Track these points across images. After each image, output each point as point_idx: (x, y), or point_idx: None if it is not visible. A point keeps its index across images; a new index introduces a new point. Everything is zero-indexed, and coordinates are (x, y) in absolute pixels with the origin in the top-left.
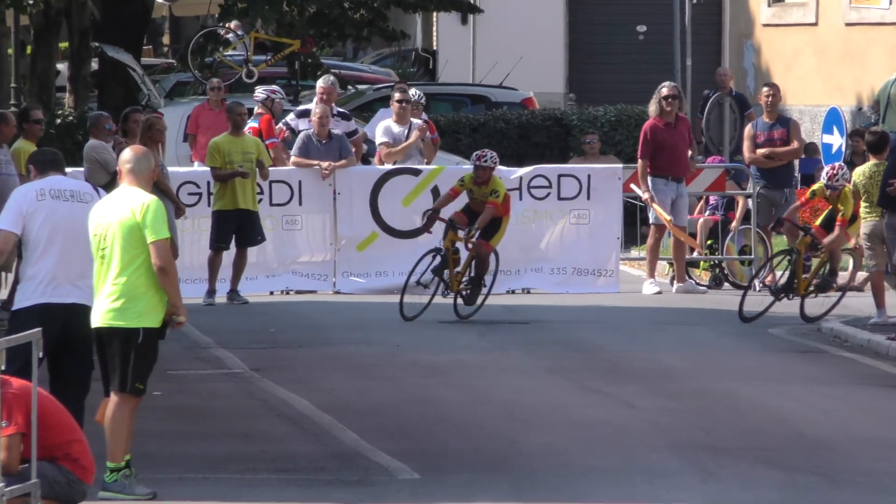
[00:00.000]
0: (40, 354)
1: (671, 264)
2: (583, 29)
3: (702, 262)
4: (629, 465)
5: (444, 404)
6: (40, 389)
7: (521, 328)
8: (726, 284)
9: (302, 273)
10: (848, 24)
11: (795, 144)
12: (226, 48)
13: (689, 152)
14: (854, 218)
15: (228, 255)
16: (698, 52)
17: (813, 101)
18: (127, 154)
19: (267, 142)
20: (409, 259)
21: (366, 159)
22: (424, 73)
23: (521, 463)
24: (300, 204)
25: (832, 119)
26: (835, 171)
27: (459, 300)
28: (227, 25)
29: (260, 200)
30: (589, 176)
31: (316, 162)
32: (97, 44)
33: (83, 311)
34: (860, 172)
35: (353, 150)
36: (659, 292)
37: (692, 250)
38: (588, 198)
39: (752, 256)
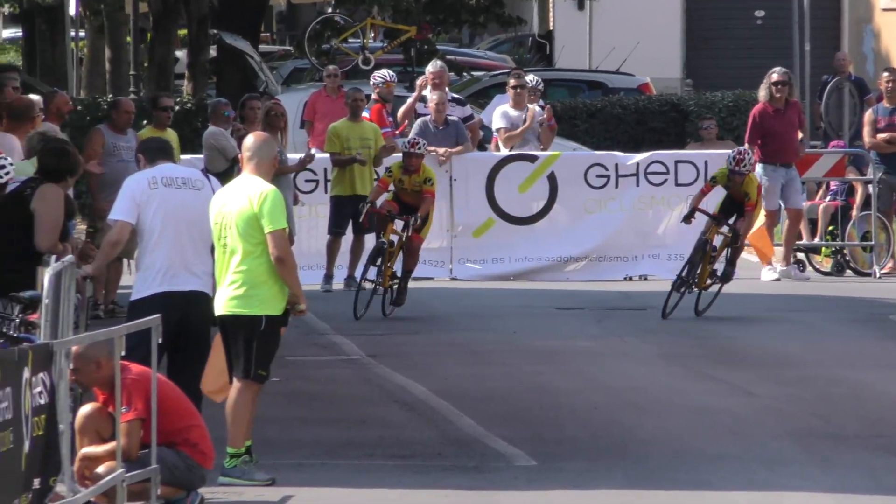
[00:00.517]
0: (159, 341)
1: (794, 251)
2: (700, 14)
3: (823, 249)
4: (747, 453)
5: (559, 391)
6: (159, 375)
7: (638, 314)
8: (848, 271)
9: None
10: None
11: None
12: (342, 35)
13: (800, 136)
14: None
15: (346, 242)
16: (817, 37)
17: None
18: (248, 141)
19: (381, 131)
20: (526, 245)
21: (482, 145)
22: (541, 58)
23: (636, 450)
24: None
25: None
26: (742, 157)
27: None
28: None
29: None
30: (706, 162)
31: (433, 148)
32: (215, 31)
33: (201, 297)
34: None
35: (469, 136)
36: (777, 279)
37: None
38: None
39: (873, 242)
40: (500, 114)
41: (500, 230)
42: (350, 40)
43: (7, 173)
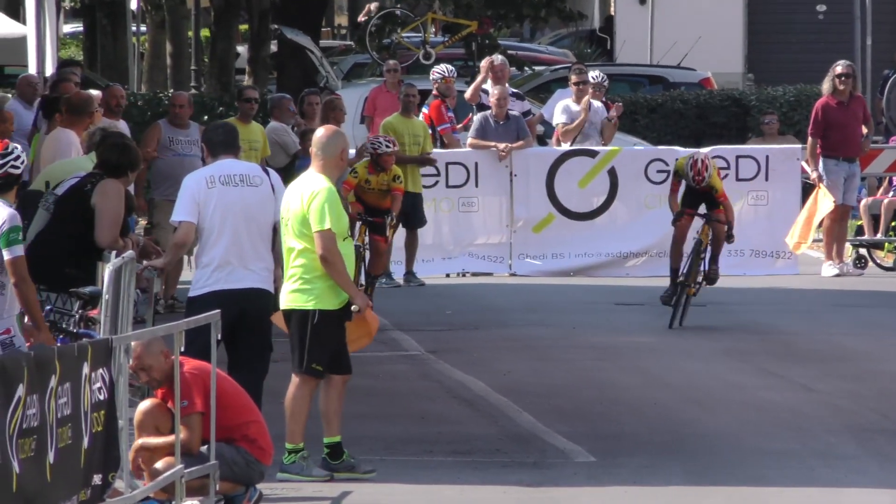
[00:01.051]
0: (218, 337)
1: (854, 246)
2: (762, 8)
3: (886, 244)
4: (806, 449)
5: (619, 386)
6: (218, 371)
7: (698, 310)
8: None
9: (478, 255)
10: None
11: None
12: (404, 29)
13: (865, 130)
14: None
15: (400, 238)
16: (879, 31)
17: None
18: (316, 136)
19: (439, 128)
20: (585, 241)
21: (542, 140)
22: (602, 53)
23: (695, 446)
24: (476, 185)
25: None
26: (700, 173)
27: None
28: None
29: (436, 183)
30: (767, 157)
31: (493, 143)
32: (276, 26)
33: (258, 294)
34: None
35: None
36: (838, 274)
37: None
38: (766, 179)
39: None
40: (561, 108)
41: (559, 225)
42: (411, 35)
43: (22, 162)
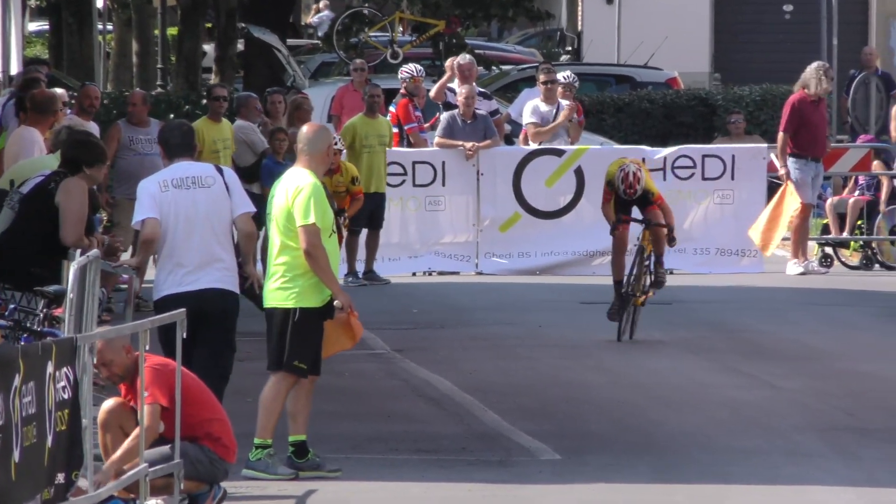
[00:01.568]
0: (184, 335)
1: (820, 245)
2: (729, 8)
3: (852, 243)
4: (772, 446)
5: (585, 385)
6: (183, 368)
7: (664, 309)
8: (876, 265)
9: (444, 254)
10: None
11: None
12: (371, 29)
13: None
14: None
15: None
16: (844, 32)
17: None
18: (301, 133)
19: (406, 127)
20: (552, 239)
21: (509, 140)
22: (569, 53)
23: (661, 444)
24: (443, 185)
25: None
26: (631, 186)
27: None
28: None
29: (403, 181)
30: (733, 156)
31: (460, 142)
32: (243, 24)
33: (217, 294)
34: None
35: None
36: (803, 273)
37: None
38: (732, 178)
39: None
40: (530, 108)
41: (526, 224)
42: (378, 34)
43: None
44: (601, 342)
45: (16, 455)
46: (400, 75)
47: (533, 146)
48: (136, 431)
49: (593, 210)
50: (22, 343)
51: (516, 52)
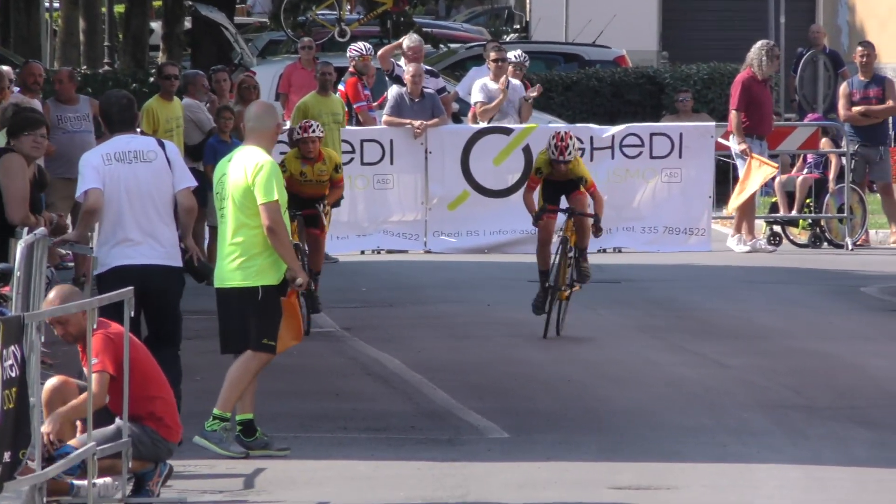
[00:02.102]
0: (132, 314)
1: (769, 223)
2: None
3: (800, 222)
4: (719, 425)
5: (534, 364)
6: (135, 339)
7: (612, 287)
8: (825, 243)
9: (393, 232)
10: None
11: (891, 103)
12: (319, 7)
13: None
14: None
15: None
16: (792, 10)
17: None
18: (249, 111)
19: (355, 105)
20: (500, 218)
21: (457, 118)
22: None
23: (610, 422)
24: (391, 163)
25: None
26: (563, 143)
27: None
28: None
29: (351, 160)
30: (681, 134)
31: (408, 121)
32: (191, 2)
33: (158, 271)
34: None
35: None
36: (749, 251)
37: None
38: (680, 156)
39: (846, 215)
40: (479, 87)
41: (474, 203)
42: (326, 12)
43: None
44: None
45: None
46: (349, 54)
47: (482, 124)
48: (83, 395)
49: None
50: None
51: (464, 30)
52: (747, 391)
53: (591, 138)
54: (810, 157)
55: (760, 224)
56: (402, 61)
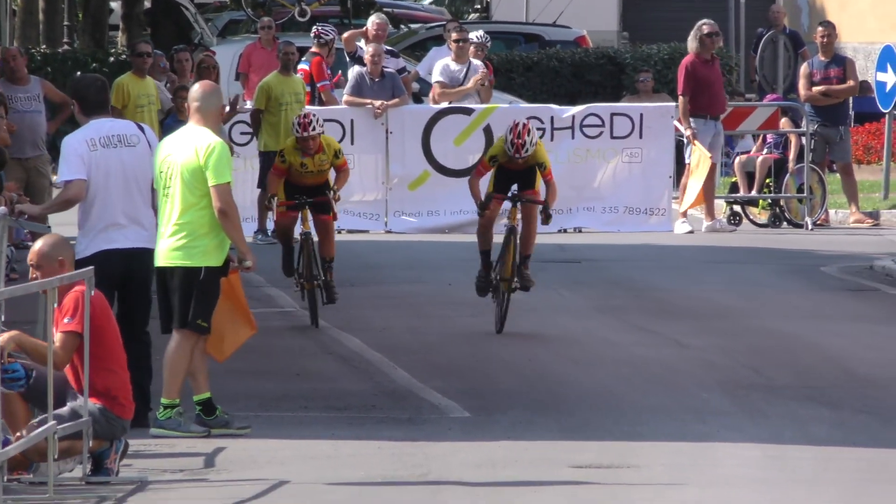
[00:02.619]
0: (92, 293)
1: (729, 203)
2: None
3: (760, 202)
4: (679, 404)
5: (494, 343)
6: (106, 309)
7: (572, 267)
8: (784, 223)
9: (354, 212)
10: None
11: (851, 83)
12: None
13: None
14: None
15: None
16: None
17: (867, 39)
18: (195, 91)
19: (318, 84)
20: (461, 198)
21: (418, 98)
22: (478, 11)
23: (570, 402)
24: (352, 143)
25: (886, 57)
26: (521, 140)
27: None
28: None
29: None
30: (641, 115)
31: (368, 101)
32: None
33: (143, 254)
34: None
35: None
36: (691, 231)
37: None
38: (640, 136)
39: (805, 195)
40: (440, 67)
41: (435, 183)
42: None
43: None
44: (510, 300)
45: None
46: (325, 35)
47: (443, 104)
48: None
49: None
50: None
51: (424, 10)
52: (707, 371)
53: (552, 119)
54: (770, 138)
55: (721, 204)
56: (362, 42)
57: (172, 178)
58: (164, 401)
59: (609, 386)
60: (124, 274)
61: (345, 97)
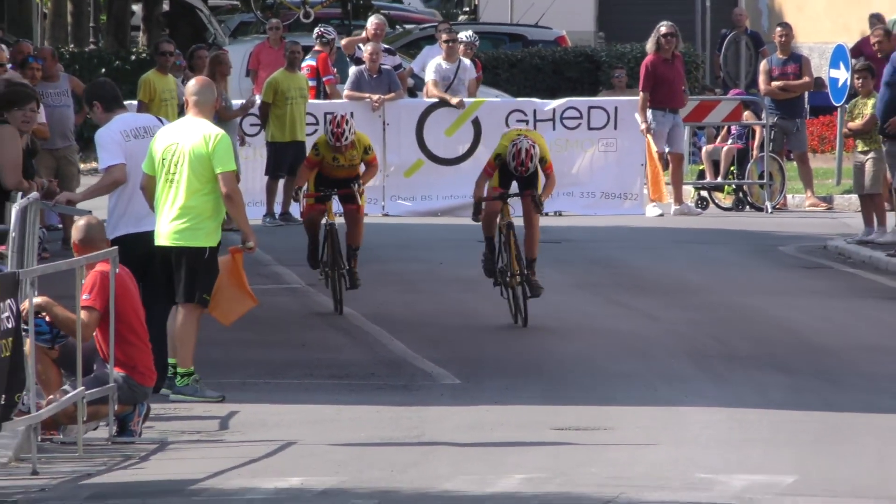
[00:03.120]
0: (117, 271)
1: (697, 189)
2: None
3: (725, 187)
4: (650, 371)
5: (482, 316)
6: (128, 285)
7: (553, 247)
8: (748, 207)
9: None
10: None
11: (807, 79)
12: None
13: (683, 87)
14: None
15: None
16: None
17: (821, 39)
18: (192, 86)
19: (324, 78)
20: (452, 184)
21: (412, 93)
22: (467, 13)
23: (551, 370)
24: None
25: (839, 55)
26: (522, 160)
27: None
28: None
29: (315, 131)
30: (616, 108)
31: (367, 95)
32: None
33: None
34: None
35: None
36: (661, 215)
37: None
38: (615, 128)
39: (765, 181)
40: (433, 66)
41: (428, 170)
42: None
43: None
44: None
45: None
46: (326, 34)
47: (434, 98)
48: (75, 321)
49: (488, 156)
50: None
51: (418, 12)
52: (676, 341)
53: (535, 111)
54: (734, 129)
55: (689, 190)
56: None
57: (178, 165)
58: (180, 370)
59: (587, 355)
60: (148, 254)
61: (345, 92)
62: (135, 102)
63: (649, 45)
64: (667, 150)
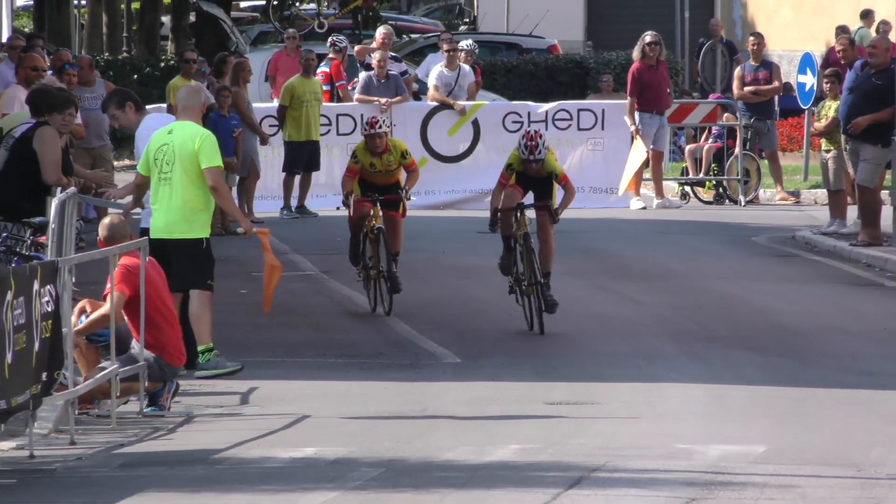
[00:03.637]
0: (147, 259)
1: (680, 184)
2: None
3: (707, 183)
4: (634, 351)
5: (481, 301)
6: (153, 276)
7: None
8: (727, 201)
9: None
10: None
11: (777, 84)
12: (302, 3)
13: (668, 90)
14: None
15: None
16: (694, 6)
17: (790, 47)
18: (181, 93)
19: (337, 83)
20: (453, 179)
21: (417, 96)
22: (467, 23)
23: (544, 350)
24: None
25: (806, 62)
26: (533, 143)
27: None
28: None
29: (328, 131)
30: (603, 110)
31: (376, 98)
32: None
33: None
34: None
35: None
36: (643, 207)
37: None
38: (603, 129)
39: (738, 177)
40: (436, 73)
41: (432, 167)
42: (307, 8)
43: None
44: (494, 265)
45: (9, 357)
46: (338, 43)
47: (436, 102)
48: (101, 310)
49: (488, 155)
50: (13, 265)
51: (422, 22)
52: (658, 324)
53: (529, 113)
54: (715, 129)
55: (673, 185)
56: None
57: (171, 164)
58: (200, 347)
59: (576, 336)
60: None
61: (356, 95)
62: (163, 105)
63: (635, 53)
64: (651, 147)
